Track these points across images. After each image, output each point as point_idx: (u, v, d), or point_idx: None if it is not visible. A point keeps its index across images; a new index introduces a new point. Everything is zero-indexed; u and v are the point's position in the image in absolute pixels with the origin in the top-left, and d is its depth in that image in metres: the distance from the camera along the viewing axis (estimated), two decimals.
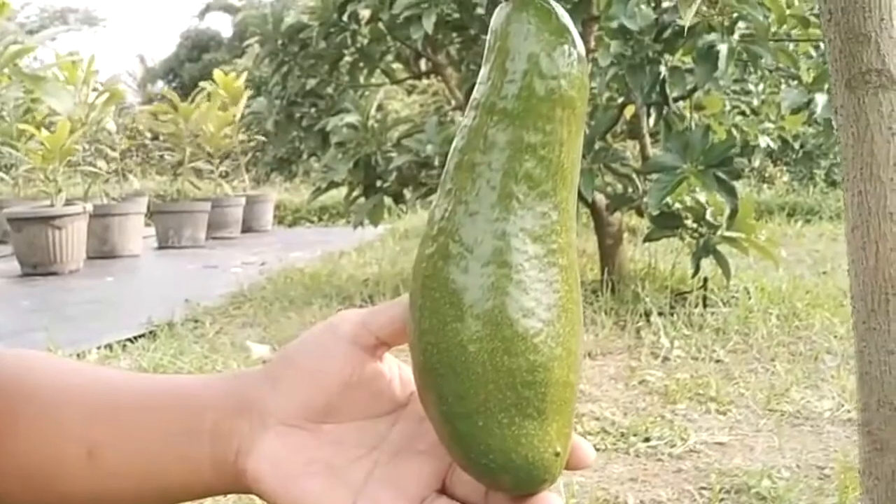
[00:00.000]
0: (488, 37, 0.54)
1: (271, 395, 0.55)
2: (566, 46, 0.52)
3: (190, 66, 25.38)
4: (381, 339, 0.56)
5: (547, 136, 0.51)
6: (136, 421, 0.58)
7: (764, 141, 6.17)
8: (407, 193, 5.54)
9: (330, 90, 6.27)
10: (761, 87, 6.20)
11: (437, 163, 5.10)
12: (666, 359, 4.11)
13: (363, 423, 0.57)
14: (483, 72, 0.53)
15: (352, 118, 5.55)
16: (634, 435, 3.11)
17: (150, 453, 0.57)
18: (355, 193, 5.64)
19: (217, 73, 10.72)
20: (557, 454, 0.51)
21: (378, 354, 0.57)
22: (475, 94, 0.54)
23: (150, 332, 4.86)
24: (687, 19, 0.74)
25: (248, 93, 10.47)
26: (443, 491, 0.56)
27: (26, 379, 0.62)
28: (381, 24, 5.79)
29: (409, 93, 11.91)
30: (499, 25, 0.53)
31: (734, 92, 6.11)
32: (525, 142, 0.51)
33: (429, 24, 5.08)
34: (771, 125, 6.43)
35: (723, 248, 4.74)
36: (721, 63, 4.17)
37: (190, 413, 0.57)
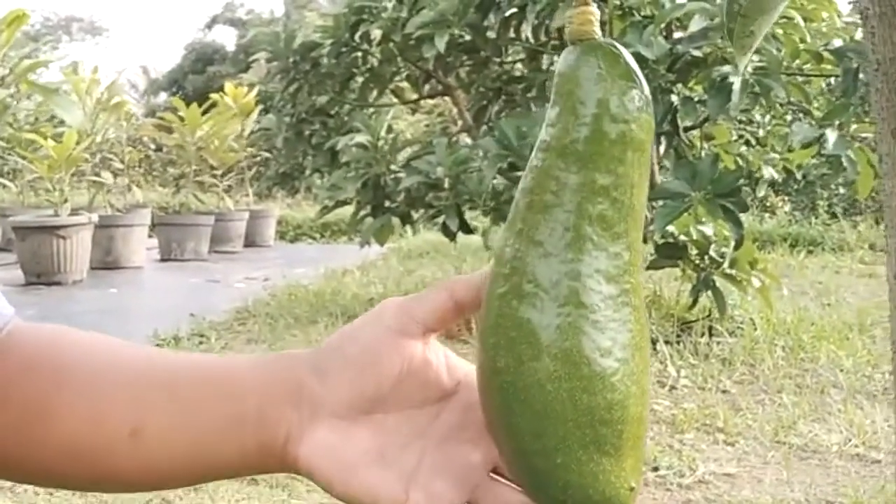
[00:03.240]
0: (555, 79, 0.55)
1: (321, 386, 0.56)
2: (635, 90, 0.53)
3: (194, 78, 25.44)
4: (428, 327, 0.57)
5: (619, 178, 0.52)
6: (179, 401, 0.58)
7: (769, 172, 6.19)
8: (414, 214, 5.56)
9: (340, 109, 6.30)
10: (767, 118, 6.21)
11: (446, 185, 5.12)
12: (673, 388, 4.11)
13: (411, 412, 0.57)
14: (551, 114, 0.54)
15: (362, 138, 5.57)
16: (643, 464, 3.11)
17: (194, 434, 0.58)
18: (363, 213, 5.66)
19: (228, 87, 10.75)
20: (632, 489, 0.52)
21: (425, 341, 0.57)
22: (543, 135, 0.54)
23: (157, 346, 4.86)
24: (742, 67, 0.74)
25: (259, 108, 10.50)
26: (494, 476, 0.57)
27: (69, 354, 0.61)
28: (392, 45, 5.83)
29: (413, 112, 11.96)
30: (567, 68, 0.54)
31: (740, 122, 6.13)
32: (598, 184, 0.52)
33: (441, 43, 5.11)
34: (776, 156, 6.45)
35: (721, 284, 4.76)
36: (734, 95, 4.19)
37: (234, 396, 0.57)
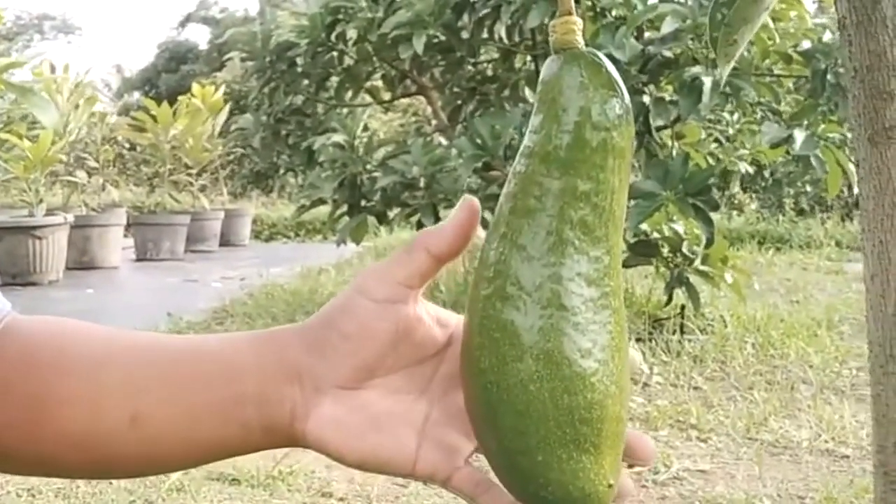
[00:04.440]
0: (538, 87, 0.56)
1: (320, 362, 0.57)
2: (616, 99, 0.54)
3: (167, 77, 25.24)
4: (414, 287, 0.57)
5: (600, 184, 0.53)
6: (177, 386, 0.58)
7: (743, 166, 6.25)
8: (390, 213, 5.58)
9: (317, 109, 6.31)
10: (736, 116, 6.27)
11: (421, 184, 5.14)
12: (646, 385, 4.16)
13: (411, 370, 0.58)
14: (534, 121, 0.55)
15: (338, 137, 5.59)
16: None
17: (195, 419, 0.58)
18: (340, 212, 5.67)
19: (195, 87, 10.70)
20: (610, 485, 0.53)
21: (414, 300, 0.58)
22: (527, 142, 0.55)
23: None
24: (725, 74, 0.78)
25: (228, 106, 10.46)
26: None
27: (68, 343, 0.61)
28: (368, 45, 5.84)
29: (386, 111, 11.96)
30: (550, 77, 0.55)
31: (709, 121, 6.18)
32: (579, 190, 0.53)
33: (419, 44, 5.13)
34: (746, 152, 6.50)
35: (695, 280, 4.82)
36: (705, 96, 4.24)
37: (232, 377, 0.58)
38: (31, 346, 0.61)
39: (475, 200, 0.58)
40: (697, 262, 4.83)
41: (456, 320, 0.60)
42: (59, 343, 0.61)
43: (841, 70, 4.29)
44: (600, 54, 0.55)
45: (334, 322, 0.57)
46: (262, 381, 0.57)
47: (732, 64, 0.78)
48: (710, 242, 4.60)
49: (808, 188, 12.13)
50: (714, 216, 4.50)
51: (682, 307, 5.12)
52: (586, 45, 0.56)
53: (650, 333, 4.87)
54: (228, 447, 0.59)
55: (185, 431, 0.58)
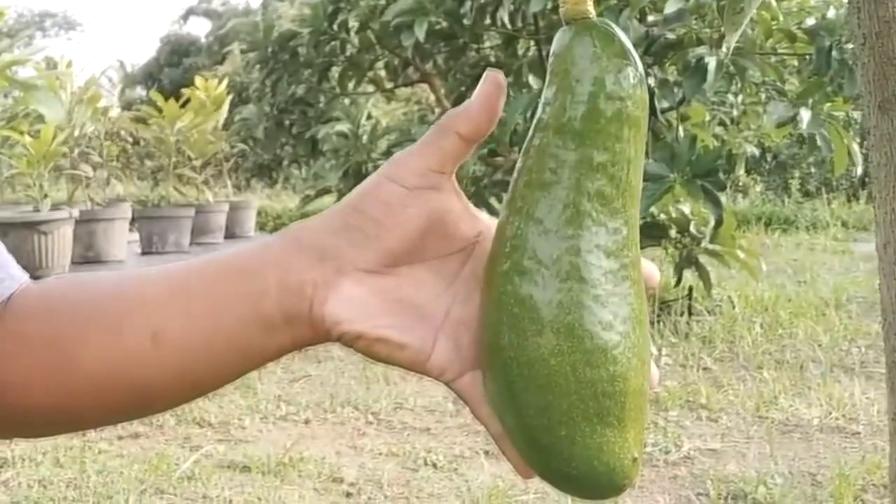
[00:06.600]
0: (550, 59, 0.55)
1: (345, 244, 0.56)
2: (630, 68, 0.53)
3: (170, 71, 25.24)
4: (446, 172, 0.56)
5: (616, 155, 0.52)
6: (194, 294, 0.58)
7: (750, 148, 6.24)
8: None
9: (319, 98, 6.31)
10: (740, 97, 6.26)
11: None
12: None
13: (437, 262, 0.57)
14: (547, 94, 0.54)
15: (342, 126, 5.58)
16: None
17: (216, 324, 0.57)
18: None
19: (199, 80, 10.69)
20: (635, 459, 0.52)
21: (446, 186, 0.56)
22: (540, 114, 0.54)
23: None
24: (732, 43, 0.77)
25: (230, 98, 10.44)
26: None
27: (79, 286, 0.61)
28: (370, 33, 5.83)
29: (389, 101, 11.96)
30: (562, 48, 0.54)
31: (713, 103, 6.17)
32: (596, 161, 0.52)
33: (421, 31, 5.12)
34: (751, 133, 6.49)
35: (705, 260, 4.81)
36: (710, 76, 4.23)
37: (251, 276, 0.57)
38: (47, 300, 0.61)
39: (499, 72, 0.56)
40: (706, 242, 4.83)
41: (487, 220, 0.58)
42: (72, 295, 0.61)
43: (846, 46, 4.27)
44: (612, 24, 0.54)
45: (363, 206, 0.56)
46: (282, 271, 0.56)
47: (738, 33, 0.77)
48: (719, 223, 4.60)
49: (814, 170, 12.11)
50: (722, 197, 4.50)
51: (690, 289, 5.12)
52: None
53: (658, 316, 4.87)
54: (254, 350, 0.58)
55: (208, 339, 0.57)
